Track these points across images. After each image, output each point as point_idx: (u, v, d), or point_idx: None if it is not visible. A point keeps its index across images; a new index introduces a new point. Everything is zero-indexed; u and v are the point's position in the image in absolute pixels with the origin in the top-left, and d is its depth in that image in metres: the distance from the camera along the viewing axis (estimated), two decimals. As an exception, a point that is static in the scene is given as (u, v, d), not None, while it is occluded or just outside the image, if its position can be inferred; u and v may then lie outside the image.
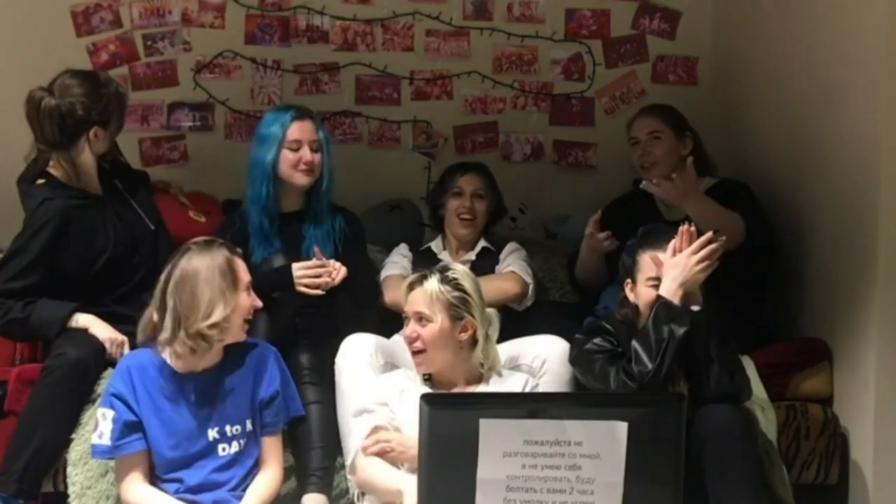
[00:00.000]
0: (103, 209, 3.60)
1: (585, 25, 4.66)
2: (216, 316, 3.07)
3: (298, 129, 3.72)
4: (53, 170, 3.54)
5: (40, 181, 3.54)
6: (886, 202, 3.40)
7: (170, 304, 3.09)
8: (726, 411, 3.02)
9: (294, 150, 3.71)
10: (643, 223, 3.63)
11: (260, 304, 3.21)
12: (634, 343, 3.09)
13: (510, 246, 4.00)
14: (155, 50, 4.53)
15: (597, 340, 3.24)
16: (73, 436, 3.32)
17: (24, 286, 3.43)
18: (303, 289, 3.52)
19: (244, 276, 3.17)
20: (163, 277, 3.13)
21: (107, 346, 3.41)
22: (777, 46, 4.11)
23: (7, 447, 3.29)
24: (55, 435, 3.30)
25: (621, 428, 2.68)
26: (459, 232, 3.97)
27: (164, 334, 3.10)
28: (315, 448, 3.27)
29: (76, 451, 3.30)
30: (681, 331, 3.05)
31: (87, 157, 3.56)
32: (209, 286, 3.08)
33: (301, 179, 3.73)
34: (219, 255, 3.13)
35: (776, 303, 3.96)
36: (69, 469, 3.30)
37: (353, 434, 3.21)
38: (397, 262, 3.94)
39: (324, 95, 4.59)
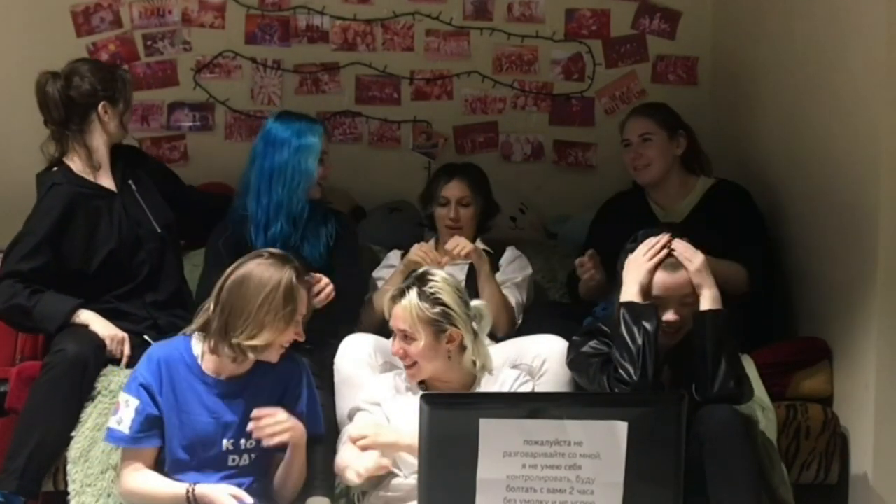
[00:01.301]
0: (111, 202, 3.63)
1: (585, 25, 4.65)
2: (260, 339, 2.99)
3: (325, 141, 3.76)
4: (70, 161, 3.58)
5: (54, 169, 3.59)
6: (886, 202, 3.40)
7: (223, 300, 3.02)
8: (726, 411, 3.02)
9: (322, 163, 3.73)
10: (638, 223, 3.62)
11: (303, 338, 3.10)
12: (613, 353, 3.09)
13: (510, 253, 3.91)
14: (155, 50, 4.53)
15: (593, 343, 3.23)
16: (73, 433, 3.31)
17: (33, 268, 3.46)
18: None
19: (303, 308, 3.06)
20: (226, 273, 3.06)
21: (107, 342, 3.42)
22: (777, 46, 4.11)
23: (8, 444, 3.29)
24: (55, 431, 3.30)
25: (621, 428, 2.67)
26: (449, 239, 3.90)
27: (213, 330, 3.03)
28: (317, 451, 3.27)
29: (76, 449, 3.30)
30: (650, 325, 3.05)
31: (99, 138, 3.59)
32: (266, 305, 2.98)
33: (318, 192, 3.75)
34: (288, 277, 3.01)
35: (776, 302, 3.95)
36: (69, 467, 3.30)
37: (343, 434, 3.21)
38: (384, 279, 3.84)
39: (324, 95, 4.58)
